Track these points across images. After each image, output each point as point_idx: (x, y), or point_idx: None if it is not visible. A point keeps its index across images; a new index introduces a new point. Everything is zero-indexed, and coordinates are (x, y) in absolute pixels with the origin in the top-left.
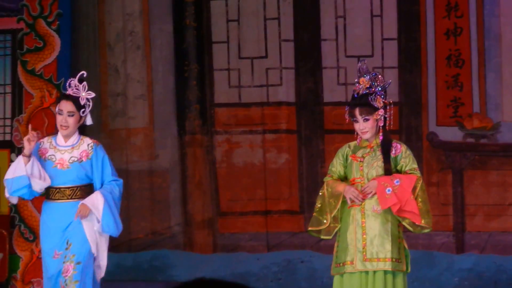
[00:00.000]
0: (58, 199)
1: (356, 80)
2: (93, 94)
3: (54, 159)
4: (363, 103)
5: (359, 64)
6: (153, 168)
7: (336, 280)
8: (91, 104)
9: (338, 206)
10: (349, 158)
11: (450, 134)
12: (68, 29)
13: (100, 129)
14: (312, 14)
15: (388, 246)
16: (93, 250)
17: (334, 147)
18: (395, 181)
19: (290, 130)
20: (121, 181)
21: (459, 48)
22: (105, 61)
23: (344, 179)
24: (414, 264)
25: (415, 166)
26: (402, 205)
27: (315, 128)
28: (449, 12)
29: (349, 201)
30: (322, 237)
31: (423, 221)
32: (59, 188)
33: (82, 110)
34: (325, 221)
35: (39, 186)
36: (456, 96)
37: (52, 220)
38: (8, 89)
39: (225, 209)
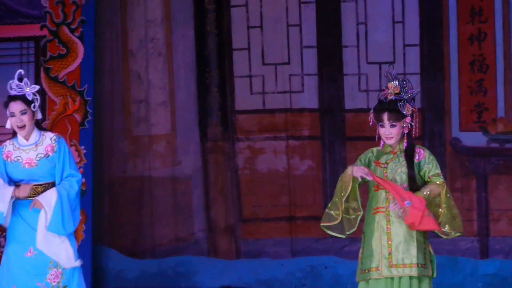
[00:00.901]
0: (31, 196)
1: (384, 84)
2: (37, 87)
3: (20, 160)
4: (392, 108)
5: (387, 69)
6: (176, 174)
7: (361, 286)
8: (38, 97)
9: (349, 188)
10: (373, 164)
11: (474, 139)
12: (91, 36)
13: (124, 136)
14: (334, 20)
15: (414, 252)
16: (40, 246)
17: (356, 154)
18: (406, 203)
19: (313, 136)
20: (80, 177)
21: (483, 53)
22: (127, 68)
23: (362, 183)
24: (439, 269)
25: (438, 171)
26: (417, 225)
27: (337, 135)
28: (473, 17)
29: (359, 179)
30: (345, 235)
31: (447, 227)
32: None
33: (32, 105)
34: (336, 216)
35: None
36: (479, 101)
37: (27, 215)
38: None
39: (248, 215)
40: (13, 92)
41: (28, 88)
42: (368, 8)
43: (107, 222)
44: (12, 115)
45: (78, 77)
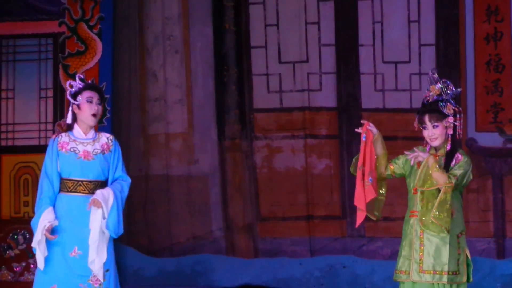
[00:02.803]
0: (80, 192)
1: (426, 88)
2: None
3: (77, 151)
4: (433, 109)
5: (430, 72)
6: (193, 172)
7: (401, 286)
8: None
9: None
10: (415, 164)
11: (490, 139)
12: (110, 33)
13: (141, 134)
14: (352, 18)
15: (445, 259)
16: (93, 246)
17: None
18: (369, 179)
19: (331, 135)
20: (130, 181)
21: (499, 53)
22: (144, 66)
23: (399, 175)
24: None
25: (457, 173)
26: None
27: (355, 134)
28: (489, 16)
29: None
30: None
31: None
32: (82, 181)
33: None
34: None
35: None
36: (496, 101)
37: (74, 213)
38: (50, 93)
39: (266, 213)
40: (82, 84)
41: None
42: (384, 6)
43: (125, 220)
44: (90, 100)
45: (97, 74)
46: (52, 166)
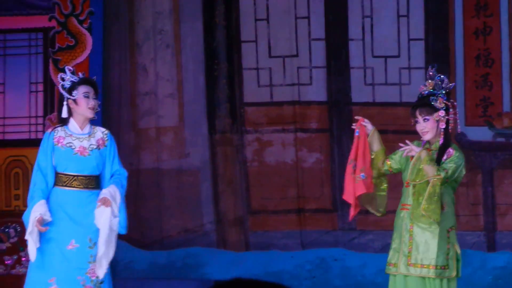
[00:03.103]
0: (75, 187)
1: (423, 83)
2: None
3: (73, 147)
4: (424, 103)
5: (429, 69)
6: (184, 166)
7: (390, 278)
8: None
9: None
10: (409, 158)
11: (479, 134)
12: (100, 28)
13: (131, 128)
14: (342, 13)
15: (433, 254)
16: (102, 245)
17: None
18: (361, 175)
19: (322, 129)
20: (126, 174)
21: (488, 48)
22: (135, 60)
23: (396, 170)
24: None
25: (447, 166)
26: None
27: (345, 128)
28: (478, 11)
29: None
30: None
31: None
32: (77, 176)
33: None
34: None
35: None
36: (485, 96)
37: (70, 207)
38: (40, 87)
39: (257, 207)
40: (78, 77)
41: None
42: (374, 1)
43: None
44: (87, 95)
45: (87, 68)
46: (46, 160)
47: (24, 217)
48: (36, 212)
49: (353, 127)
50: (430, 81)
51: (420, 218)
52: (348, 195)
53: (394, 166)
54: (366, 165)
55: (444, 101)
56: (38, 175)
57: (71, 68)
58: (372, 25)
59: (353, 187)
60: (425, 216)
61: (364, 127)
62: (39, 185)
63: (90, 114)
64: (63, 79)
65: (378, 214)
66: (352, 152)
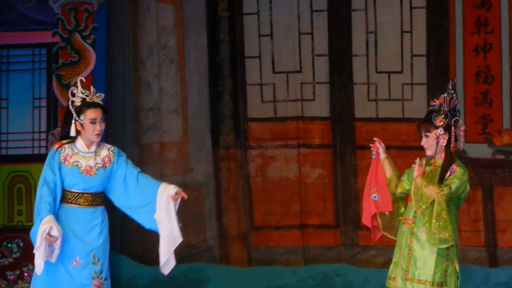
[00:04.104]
0: (80, 204)
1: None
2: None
3: (80, 166)
4: (426, 119)
5: (450, 82)
6: (188, 181)
7: None
8: None
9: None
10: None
11: (479, 151)
12: (104, 43)
13: (135, 143)
14: (345, 28)
15: (430, 271)
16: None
17: (366, 163)
18: (372, 196)
19: (325, 144)
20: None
21: (489, 64)
22: (139, 75)
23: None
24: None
25: (451, 182)
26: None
27: (348, 143)
28: (478, 28)
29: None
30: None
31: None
32: (82, 193)
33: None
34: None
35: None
36: (485, 113)
37: (74, 224)
38: (43, 102)
39: (260, 223)
40: (94, 100)
41: (97, 97)
42: (377, 17)
43: (119, 228)
44: (93, 122)
45: (90, 84)
46: (54, 176)
47: (31, 233)
48: (44, 225)
49: (372, 149)
50: (444, 96)
51: (435, 238)
52: (365, 219)
53: (406, 187)
54: (379, 186)
55: (443, 119)
56: (44, 189)
57: (83, 79)
58: (376, 41)
59: (369, 208)
60: (437, 234)
61: (378, 148)
62: (46, 199)
63: (96, 139)
64: (73, 95)
65: (395, 238)
66: (369, 175)
